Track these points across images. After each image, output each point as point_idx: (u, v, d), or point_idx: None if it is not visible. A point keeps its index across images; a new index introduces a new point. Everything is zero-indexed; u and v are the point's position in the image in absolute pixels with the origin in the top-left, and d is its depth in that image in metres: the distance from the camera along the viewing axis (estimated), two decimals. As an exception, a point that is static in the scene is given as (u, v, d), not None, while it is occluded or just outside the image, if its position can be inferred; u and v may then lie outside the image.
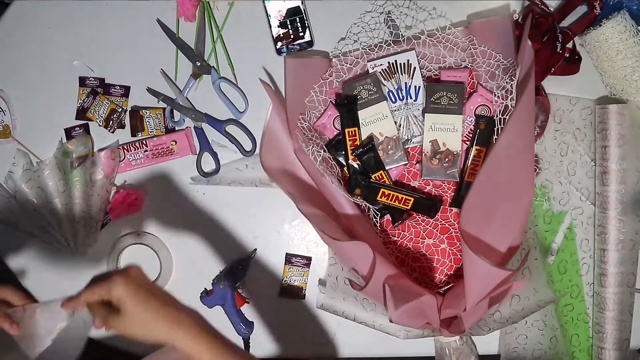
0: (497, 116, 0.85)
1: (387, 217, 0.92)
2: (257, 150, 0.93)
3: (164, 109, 0.94)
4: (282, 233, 0.95)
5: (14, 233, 0.95)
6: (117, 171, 0.94)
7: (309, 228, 0.94)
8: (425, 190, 0.92)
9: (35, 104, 0.95)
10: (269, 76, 0.93)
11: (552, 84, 0.89)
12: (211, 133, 0.94)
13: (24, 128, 0.95)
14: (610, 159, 0.86)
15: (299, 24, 0.91)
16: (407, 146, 0.91)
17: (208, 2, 0.92)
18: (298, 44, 0.92)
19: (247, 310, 0.95)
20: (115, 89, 0.94)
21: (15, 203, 0.94)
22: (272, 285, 0.95)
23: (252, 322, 0.95)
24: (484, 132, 0.86)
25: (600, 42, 0.85)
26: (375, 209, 0.88)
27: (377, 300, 0.85)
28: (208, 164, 0.95)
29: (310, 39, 0.91)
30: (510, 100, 0.81)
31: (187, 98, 0.94)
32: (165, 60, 0.94)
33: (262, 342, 0.96)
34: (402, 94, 0.89)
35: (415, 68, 0.88)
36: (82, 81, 0.94)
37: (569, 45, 0.86)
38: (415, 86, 0.89)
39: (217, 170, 0.94)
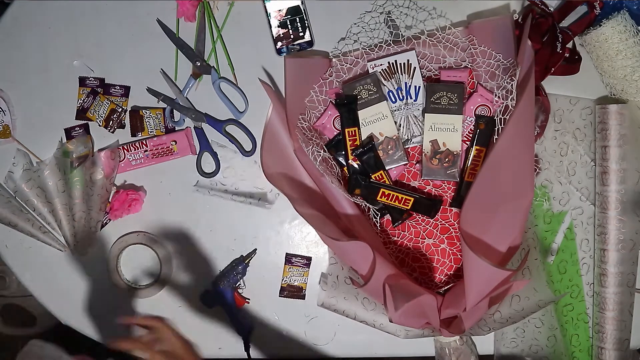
0: (497, 116, 0.85)
1: (387, 217, 0.92)
2: (257, 150, 0.93)
3: (164, 109, 0.94)
4: (282, 233, 0.95)
5: (14, 233, 0.95)
6: (117, 171, 0.94)
7: (309, 228, 0.94)
8: (425, 190, 0.92)
9: (35, 104, 0.95)
10: (269, 76, 0.93)
11: (552, 84, 0.90)
12: (211, 133, 0.94)
13: (24, 128, 0.96)
14: (610, 159, 0.86)
15: (299, 24, 0.91)
16: (407, 146, 0.91)
17: (208, 2, 0.92)
18: (298, 44, 0.92)
19: (247, 310, 0.95)
20: (115, 89, 0.94)
21: (15, 203, 0.94)
22: (272, 285, 0.95)
23: (252, 322, 0.95)
24: (484, 132, 0.86)
25: (600, 42, 0.85)
26: (375, 209, 0.88)
27: (377, 299, 0.85)
28: (208, 164, 0.95)
29: (310, 39, 0.91)
30: (510, 100, 0.81)
31: (187, 98, 0.94)
32: (165, 60, 0.94)
33: (262, 342, 0.96)
34: (402, 94, 0.89)
35: (415, 68, 0.88)
36: (82, 81, 0.94)
37: (569, 45, 0.86)
38: (415, 86, 0.89)
39: (217, 171, 0.94)
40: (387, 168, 0.89)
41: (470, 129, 0.88)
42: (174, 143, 0.94)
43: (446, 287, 0.92)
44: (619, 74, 0.86)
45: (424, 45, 0.89)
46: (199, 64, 0.93)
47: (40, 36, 0.95)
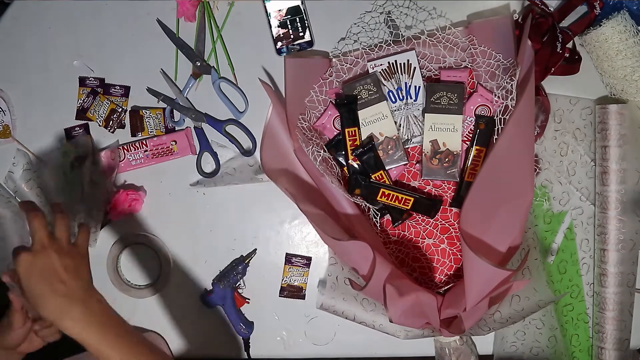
0: (497, 116, 0.85)
1: (387, 217, 0.92)
2: (257, 150, 0.93)
3: (164, 109, 0.94)
4: (282, 233, 0.95)
5: (14, 233, 0.95)
6: (117, 171, 0.94)
7: (309, 228, 0.94)
8: (425, 190, 0.92)
9: (35, 104, 0.95)
10: (269, 76, 0.93)
11: (552, 84, 0.89)
12: (211, 133, 0.94)
13: (24, 128, 0.95)
14: (610, 159, 0.86)
15: (299, 24, 0.91)
16: (407, 146, 0.91)
17: (208, 2, 0.92)
18: (298, 44, 0.92)
19: (247, 310, 0.95)
20: (115, 89, 0.94)
21: (15, 203, 0.94)
22: (272, 285, 0.95)
23: (252, 322, 0.95)
24: (484, 132, 0.86)
25: (600, 42, 0.85)
26: (375, 209, 0.88)
27: (377, 299, 0.85)
28: (208, 164, 0.95)
29: (310, 39, 0.91)
30: (510, 100, 0.81)
31: (187, 98, 0.94)
32: (165, 60, 0.94)
33: (262, 342, 0.96)
34: (402, 94, 0.89)
35: (415, 68, 0.88)
36: (82, 81, 0.94)
37: (569, 45, 0.86)
38: (415, 86, 0.89)
39: (217, 170, 0.94)
40: (387, 168, 0.89)
41: (470, 129, 0.88)
42: (174, 143, 0.94)
43: (446, 287, 0.92)
44: (619, 74, 0.86)
45: (424, 45, 0.89)
46: (199, 64, 0.93)
47: (40, 36, 0.95)
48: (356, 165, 0.89)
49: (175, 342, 0.97)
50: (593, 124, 0.90)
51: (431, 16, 0.90)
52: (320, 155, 0.85)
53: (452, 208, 0.91)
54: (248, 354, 0.95)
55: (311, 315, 0.95)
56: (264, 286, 0.95)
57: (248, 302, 0.95)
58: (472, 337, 0.92)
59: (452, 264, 0.92)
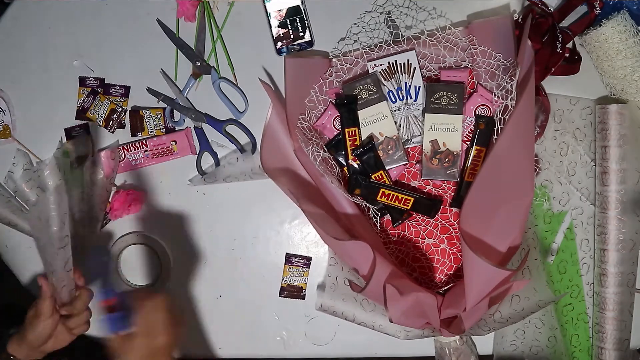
0: (497, 116, 0.85)
1: (387, 217, 0.92)
2: (257, 150, 0.93)
3: (164, 109, 0.94)
4: (282, 233, 0.95)
5: (14, 233, 0.95)
6: (117, 171, 0.94)
7: (309, 228, 0.94)
8: (425, 190, 0.92)
9: (35, 104, 0.95)
10: (269, 76, 0.93)
11: (552, 84, 0.90)
12: (211, 133, 0.94)
13: (24, 128, 0.95)
14: (610, 159, 0.86)
15: (299, 24, 0.91)
16: (407, 146, 0.91)
17: (208, 2, 0.92)
18: (298, 44, 0.92)
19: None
20: (115, 89, 0.94)
21: (15, 203, 0.94)
22: (272, 285, 0.95)
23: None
24: (484, 132, 0.86)
25: (600, 42, 0.85)
26: (375, 209, 0.88)
27: (377, 300, 0.85)
28: (208, 164, 0.95)
29: (310, 39, 0.91)
30: (510, 100, 0.81)
31: (187, 98, 0.94)
32: (165, 60, 0.94)
33: (262, 342, 0.96)
34: (402, 94, 0.89)
35: (415, 68, 0.88)
36: (82, 81, 0.94)
37: (569, 45, 0.86)
38: (415, 86, 0.89)
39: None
40: (387, 168, 0.89)
41: (470, 129, 0.88)
42: (174, 143, 0.94)
43: (446, 287, 0.92)
44: (619, 74, 0.86)
45: (424, 45, 0.89)
46: (199, 64, 0.93)
47: (40, 36, 0.95)
48: (356, 165, 0.89)
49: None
50: (593, 124, 0.90)
51: (431, 16, 0.90)
52: (320, 155, 0.85)
53: (452, 208, 0.91)
54: None
55: (311, 315, 0.95)
56: (264, 286, 0.95)
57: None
58: (472, 337, 0.92)
59: (452, 264, 0.92)
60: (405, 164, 0.90)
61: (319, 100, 0.91)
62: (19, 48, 0.95)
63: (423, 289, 0.84)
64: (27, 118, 0.95)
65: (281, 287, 0.95)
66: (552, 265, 0.92)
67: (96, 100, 0.94)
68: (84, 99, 0.94)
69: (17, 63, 0.95)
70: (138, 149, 0.94)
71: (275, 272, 0.95)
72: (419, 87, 0.89)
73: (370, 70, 0.89)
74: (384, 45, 0.89)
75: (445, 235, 0.92)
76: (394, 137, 0.89)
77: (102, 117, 0.94)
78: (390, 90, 0.89)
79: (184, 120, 0.95)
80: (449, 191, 0.91)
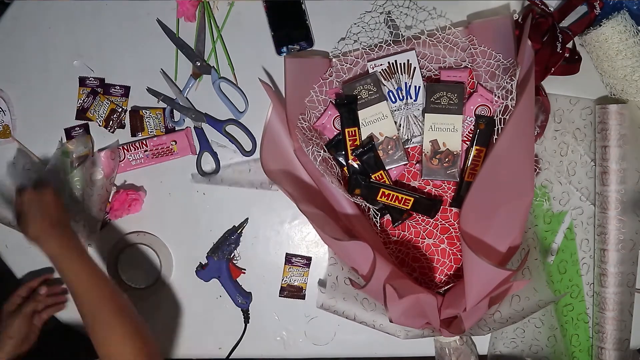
0: (497, 116, 0.85)
1: (387, 217, 0.92)
2: (257, 150, 0.93)
3: (164, 109, 0.94)
4: (282, 233, 0.95)
5: (14, 233, 0.95)
6: (117, 171, 0.94)
7: (309, 228, 0.94)
8: (425, 190, 0.92)
9: (35, 104, 0.95)
10: (269, 76, 0.93)
11: (552, 84, 0.89)
12: (211, 133, 0.94)
13: (24, 128, 0.96)
14: (610, 159, 0.86)
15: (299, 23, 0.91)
16: (407, 146, 0.91)
17: (208, 2, 0.92)
18: (298, 44, 0.92)
19: (245, 283, 0.95)
20: (115, 89, 0.94)
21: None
22: (272, 285, 0.95)
23: (250, 293, 0.95)
24: (484, 132, 0.86)
25: (600, 42, 0.85)
26: (375, 209, 0.88)
27: (377, 298, 0.85)
28: (208, 164, 0.95)
29: (310, 39, 0.91)
30: (510, 100, 0.81)
31: (187, 98, 0.94)
32: (165, 60, 0.94)
33: (262, 342, 0.96)
34: (402, 94, 0.89)
35: (415, 68, 0.88)
36: (82, 81, 0.94)
37: (569, 45, 0.86)
38: (415, 86, 0.89)
39: (217, 170, 0.95)
40: (387, 168, 0.89)
41: (470, 129, 0.88)
42: (174, 143, 0.94)
43: (446, 287, 0.92)
44: (619, 74, 0.86)
45: (424, 45, 0.89)
46: (199, 64, 0.93)
47: (40, 36, 0.95)
48: (356, 165, 0.89)
49: (175, 342, 0.97)
50: (593, 124, 0.90)
51: (431, 16, 0.90)
52: (320, 155, 0.85)
53: (452, 208, 0.91)
54: (246, 325, 0.94)
55: (311, 315, 0.95)
56: (264, 286, 0.95)
57: (244, 273, 0.95)
58: (472, 337, 0.92)
59: (452, 264, 0.92)
60: (405, 164, 0.90)
61: (319, 100, 0.91)
62: (19, 48, 0.95)
63: (423, 289, 0.84)
64: (27, 118, 0.95)
65: (281, 287, 0.95)
66: (552, 265, 0.92)
67: (96, 100, 0.94)
68: (84, 99, 0.94)
69: (17, 63, 0.95)
70: (138, 149, 0.94)
71: (275, 272, 0.95)
72: (419, 87, 0.89)
73: (370, 70, 0.89)
74: (384, 45, 0.89)
75: (445, 235, 0.92)
76: (394, 137, 0.89)
77: (102, 117, 0.94)
78: (390, 90, 0.89)
79: (184, 120, 0.95)
80: (449, 191, 0.91)
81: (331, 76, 0.91)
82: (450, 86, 0.86)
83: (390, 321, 0.82)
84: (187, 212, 0.95)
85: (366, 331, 0.89)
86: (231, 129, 0.94)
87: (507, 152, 0.79)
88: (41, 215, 0.81)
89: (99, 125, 0.94)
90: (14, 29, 0.95)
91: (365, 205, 0.88)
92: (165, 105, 0.94)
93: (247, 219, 0.95)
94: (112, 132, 0.95)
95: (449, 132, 0.87)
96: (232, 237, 0.93)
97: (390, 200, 0.87)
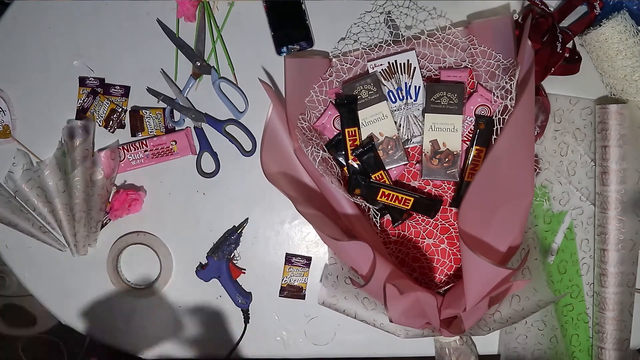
0: (497, 116, 0.85)
1: (387, 217, 0.92)
2: (257, 150, 0.93)
3: (164, 109, 0.94)
4: (282, 233, 0.95)
5: (14, 233, 0.95)
6: (117, 171, 0.94)
7: (309, 228, 0.94)
8: (425, 190, 0.92)
9: (35, 104, 0.95)
10: (269, 76, 0.93)
11: (552, 84, 0.90)
12: (211, 133, 0.94)
13: (24, 128, 0.96)
14: (610, 159, 0.86)
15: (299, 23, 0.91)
16: (407, 146, 0.91)
17: (208, 2, 0.92)
18: (298, 44, 0.92)
19: (245, 283, 0.95)
20: (115, 89, 0.94)
21: (16, 203, 0.94)
22: (272, 285, 0.95)
23: (250, 293, 0.95)
24: (484, 132, 0.86)
25: (600, 42, 0.85)
26: (375, 209, 0.88)
27: (377, 298, 0.85)
28: (208, 164, 0.95)
29: (310, 39, 0.91)
30: (510, 100, 0.81)
31: (187, 98, 0.94)
32: (165, 60, 0.94)
33: (262, 342, 0.96)
34: (402, 94, 0.89)
35: (415, 68, 0.88)
36: (82, 81, 0.95)
37: (569, 45, 0.86)
38: (415, 86, 0.89)
39: (217, 171, 0.95)
40: (387, 168, 0.89)
41: (470, 129, 0.88)
42: (174, 143, 0.94)
43: (446, 287, 0.92)
44: (619, 74, 0.86)
45: (424, 45, 0.89)
46: (199, 64, 0.93)
47: (40, 36, 0.95)
48: (356, 165, 0.89)
49: (175, 342, 0.97)
50: (593, 124, 0.90)
51: (431, 16, 0.90)
52: (320, 155, 0.85)
53: (452, 208, 0.91)
54: (246, 325, 0.95)
55: (311, 315, 0.95)
56: (264, 286, 0.95)
57: (244, 273, 0.95)
58: (472, 337, 0.92)
59: (452, 264, 0.92)
60: (405, 164, 0.90)
61: (319, 100, 0.91)
62: (19, 48, 0.95)
63: (423, 289, 0.84)
64: (27, 118, 0.95)
65: (281, 287, 0.95)
66: (552, 265, 0.91)
67: (96, 100, 0.94)
68: (84, 99, 0.94)
69: (17, 63, 0.95)
70: (138, 149, 0.94)
71: (275, 272, 0.95)
72: (419, 87, 0.89)
73: (370, 70, 0.89)
74: (384, 45, 0.89)
75: (445, 235, 0.92)
76: (394, 137, 0.89)
77: (102, 117, 0.94)
78: (390, 90, 0.89)
79: (184, 120, 0.95)
80: (449, 191, 0.91)
81: (331, 76, 0.91)
82: (450, 86, 0.86)
83: (391, 321, 0.82)
84: (187, 212, 0.95)
85: (366, 331, 0.89)
86: (231, 129, 0.94)
87: (507, 152, 0.79)
88: None
89: (99, 125, 0.94)
90: (14, 29, 0.95)
91: (365, 205, 0.88)
92: (165, 105, 0.94)
93: (247, 219, 0.95)
94: (112, 132, 0.95)
95: (449, 132, 0.87)
96: (232, 237, 0.93)
97: (390, 200, 0.87)
